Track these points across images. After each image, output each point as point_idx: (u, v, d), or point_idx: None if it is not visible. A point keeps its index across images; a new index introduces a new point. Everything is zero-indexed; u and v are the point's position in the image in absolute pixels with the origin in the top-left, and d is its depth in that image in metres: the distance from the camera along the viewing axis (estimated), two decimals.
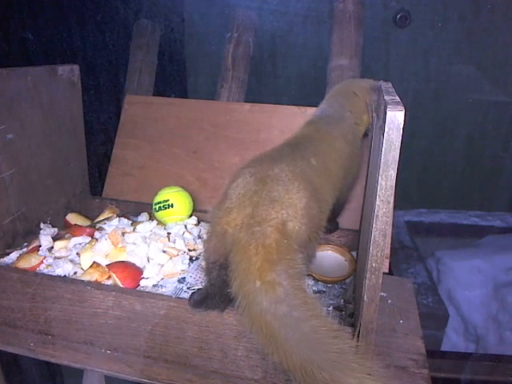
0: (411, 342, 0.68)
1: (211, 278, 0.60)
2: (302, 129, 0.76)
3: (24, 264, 0.77)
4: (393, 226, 0.77)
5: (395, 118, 0.42)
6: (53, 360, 0.67)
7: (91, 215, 0.98)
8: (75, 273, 0.76)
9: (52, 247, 0.81)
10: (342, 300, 0.73)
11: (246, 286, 0.50)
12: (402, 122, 0.42)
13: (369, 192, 0.58)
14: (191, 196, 0.92)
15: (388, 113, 0.42)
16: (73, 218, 0.95)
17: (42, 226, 0.90)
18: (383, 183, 0.44)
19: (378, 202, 0.45)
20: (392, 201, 0.45)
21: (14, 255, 0.81)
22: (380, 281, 0.48)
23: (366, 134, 0.81)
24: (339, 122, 0.76)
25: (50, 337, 0.69)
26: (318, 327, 0.47)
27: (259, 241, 0.52)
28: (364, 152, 0.80)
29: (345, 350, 0.45)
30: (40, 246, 0.81)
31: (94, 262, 0.74)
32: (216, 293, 0.60)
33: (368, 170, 0.72)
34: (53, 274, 0.75)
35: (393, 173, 0.44)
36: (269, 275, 0.49)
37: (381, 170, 0.44)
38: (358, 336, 0.53)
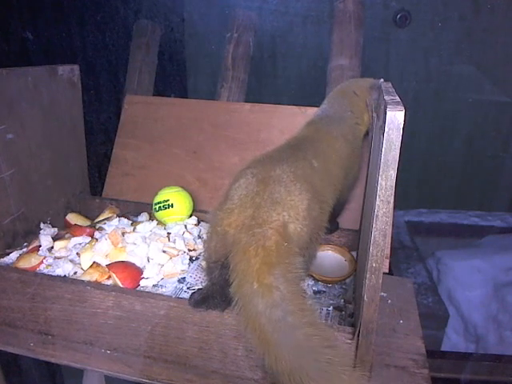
0: (411, 342, 0.68)
1: (212, 278, 0.60)
2: (303, 129, 0.76)
3: (24, 264, 0.77)
4: (393, 226, 0.77)
5: (395, 118, 0.42)
6: (53, 360, 0.67)
7: (91, 215, 0.98)
8: (75, 273, 0.76)
9: (52, 247, 0.81)
10: (342, 300, 0.73)
11: (244, 286, 0.50)
12: (402, 122, 0.42)
13: (369, 192, 0.58)
14: (191, 196, 0.92)
15: (388, 113, 0.42)
16: (73, 218, 0.95)
17: (42, 225, 0.90)
18: (383, 183, 0.44)
19: (378, 202, 0.45)
20: (392, 201, 0.45)
21: (14, 255, 0.81)
22: (380, 281, 0.48)
23: (367, 134, 0.81)
24: (339, 123, 0.76)
25: (50, 337, 0.69)
26: (311, 335, 0.46)
27: (259, 242, 0.52)
28: (364, 152, 0.80)
29: (336, 360, 0.44)
30: (40, 246, 0.81)
31: (94, 262, 0.74)
32: (217, 292, 0.59)
33: (368, 170, 0.72)
34: (53, 273, 0.75)
35: (393, 173, 0.44)
36: (267, 278, 0.49)
37: (381, 170, 0.44)
38: (358, 336, 0.53)
